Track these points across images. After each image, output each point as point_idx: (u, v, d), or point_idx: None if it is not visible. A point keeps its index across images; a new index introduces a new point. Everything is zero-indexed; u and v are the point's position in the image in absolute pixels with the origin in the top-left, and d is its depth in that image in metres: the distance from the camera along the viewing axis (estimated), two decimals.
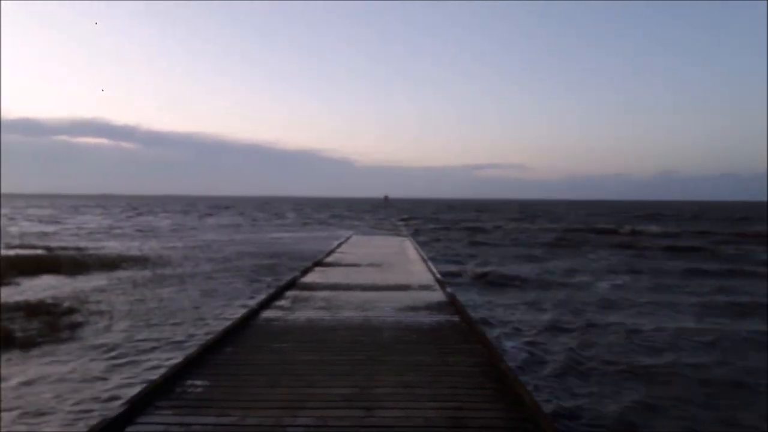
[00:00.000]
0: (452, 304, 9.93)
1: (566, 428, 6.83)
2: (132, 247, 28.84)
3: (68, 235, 37.86)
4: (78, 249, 25.84)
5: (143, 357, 9.29)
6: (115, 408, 4.83)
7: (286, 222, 61.99)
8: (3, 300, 13.13)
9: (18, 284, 15.98)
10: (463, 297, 12.60)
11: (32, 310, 12.14)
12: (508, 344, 10.58)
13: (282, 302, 10.04)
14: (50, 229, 43.61)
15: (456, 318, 8.80)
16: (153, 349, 9.78)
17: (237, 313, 11.26)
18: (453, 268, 21.96)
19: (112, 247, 28.37)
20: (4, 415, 6.69)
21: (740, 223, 63.63)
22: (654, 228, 50.51)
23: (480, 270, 21.35)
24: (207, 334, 10.19)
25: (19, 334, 10.16)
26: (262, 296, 11.28)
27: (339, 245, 23.50)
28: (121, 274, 18.70)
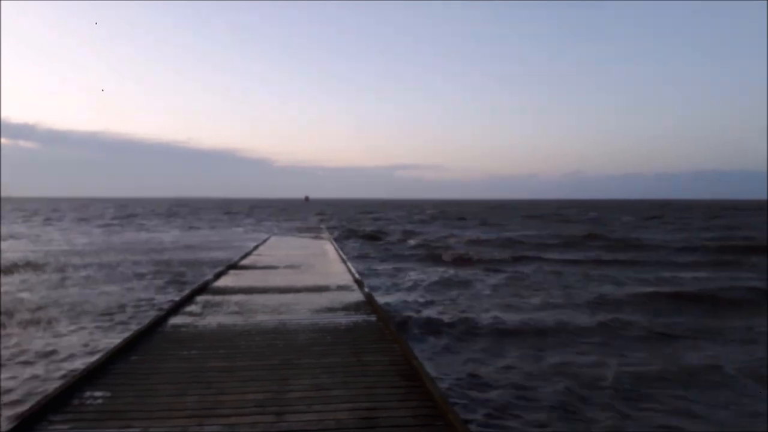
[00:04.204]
0: (369, 304, 9.96)
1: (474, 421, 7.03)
2: None
3: None
4: None
5: None
6: (3, 425, 4.48)
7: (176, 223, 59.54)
8: None
9: None
10: None
11: None
12: None
13: (192, 308, 9.67)
14: None
15: (373, 317, 8.83)
16: None
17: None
18: None
19: None
20: None
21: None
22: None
23: None
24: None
25: None
26: (171, 302, 10.85)
27: (256, 247, 23.01)
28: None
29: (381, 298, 13.63)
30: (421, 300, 15.38)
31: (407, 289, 17.54)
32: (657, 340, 11.37)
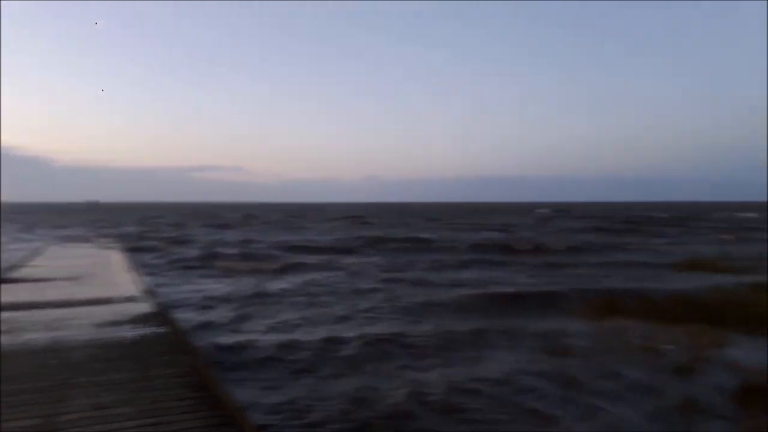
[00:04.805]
0: (160, 315, 9.59)
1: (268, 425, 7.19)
2: None
3: None
4: None
5: None
6: None
7: None
8: None
9: None
10: None
11: None
12: None
13: None
14: None
15: (163, 329, 8.52)
16: None
17: None
18: None
19: None
20: None
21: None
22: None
23: None
24: None
25: None
26: None
27: (29, 257, 20.47)
28: None
29: (174, 311, 13.04)
30: (219, 313, 14.98)
31: (204, 300, 16.96)
32: (470, 346, 11.69)
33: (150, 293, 11.92)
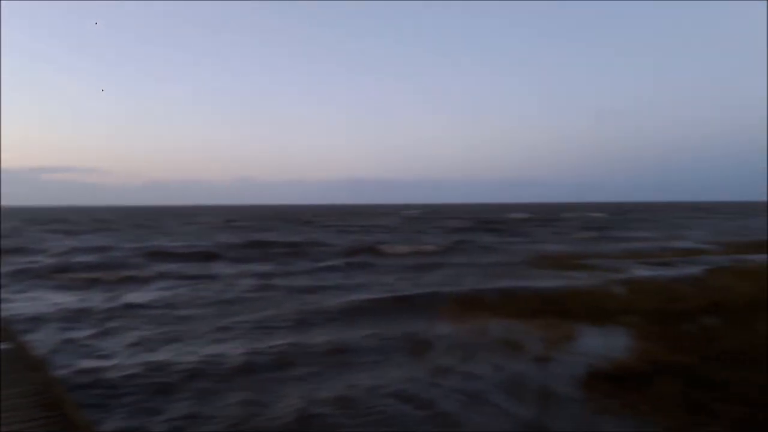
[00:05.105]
0: (3, 331, 8.65)
1: None
2: None
3: None
4: None
5: None
6: None
7: None
8: None
9: None
10: None
11: None
12: None
13: None
14: None
15: (6, 345, 7.68)
16: None
17: None
18: None
19: None
20: None
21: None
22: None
23: None
24: None
25: None
26: None
27: None
28: None
29: (21, 327, 11.77)
30: (76, 329, 13.69)
31: (57, 314, 15.43)
32: (357, 351, 11.62)
33: None
